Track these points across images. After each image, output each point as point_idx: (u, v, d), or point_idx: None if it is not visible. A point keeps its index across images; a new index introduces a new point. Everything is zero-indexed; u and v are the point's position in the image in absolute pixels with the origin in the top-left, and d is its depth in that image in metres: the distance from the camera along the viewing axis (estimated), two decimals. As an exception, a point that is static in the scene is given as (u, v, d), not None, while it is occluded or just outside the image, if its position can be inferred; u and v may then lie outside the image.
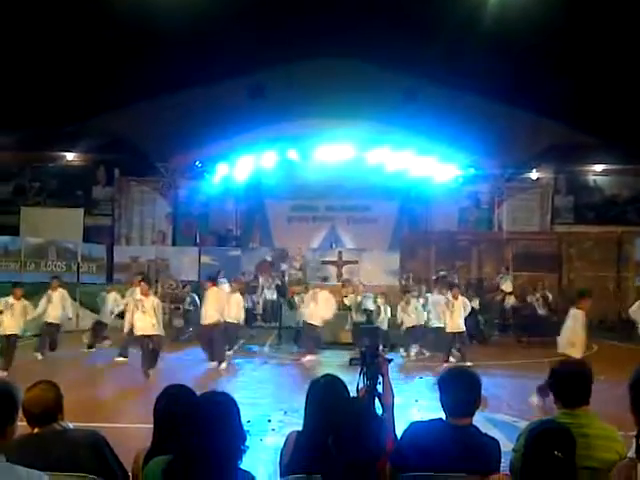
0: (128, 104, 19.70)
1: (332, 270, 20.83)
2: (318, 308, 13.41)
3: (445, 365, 11.74)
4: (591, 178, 22.68)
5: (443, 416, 3.09)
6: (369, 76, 19.58)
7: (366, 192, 21.40)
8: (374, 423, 2.66)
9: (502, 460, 2.95)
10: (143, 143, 20.96)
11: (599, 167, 22.44)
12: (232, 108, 19.17)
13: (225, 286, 15.56)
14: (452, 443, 2.92)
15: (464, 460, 2.85)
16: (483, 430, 3.06)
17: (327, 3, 15.50)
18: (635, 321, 12.09)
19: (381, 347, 12.74)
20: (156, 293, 11.44)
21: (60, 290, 12.81)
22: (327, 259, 21.13)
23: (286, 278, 19.16)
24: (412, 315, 14.06)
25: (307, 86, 19.38)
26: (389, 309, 14.89)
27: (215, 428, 2.49)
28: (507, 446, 3.16)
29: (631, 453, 2.50)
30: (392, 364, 3.82)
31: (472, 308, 14.59)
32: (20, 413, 2.53)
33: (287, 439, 3.24)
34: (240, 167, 20.79)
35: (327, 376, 3.39)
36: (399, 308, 14.42)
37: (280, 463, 3.20)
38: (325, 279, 18.28)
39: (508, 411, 8.06)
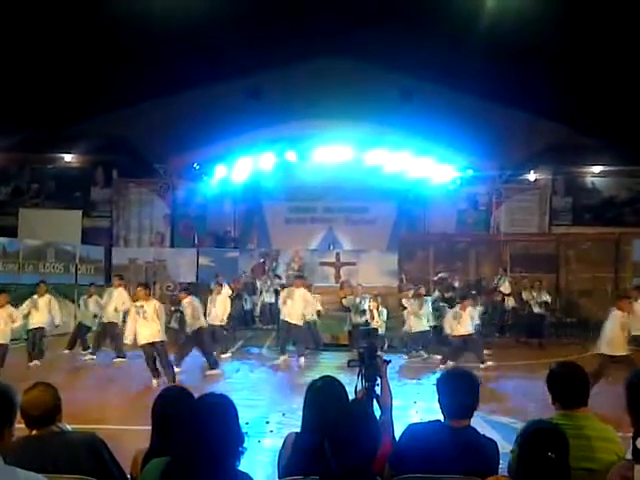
0: (126, 106, 19.72)
1: (330, 271, 20.87)
2: (295, 306, 13.17)
3: (442, 366, 11.77)
4: (589, 179, 22.70)
5: (441, 418, 3.09)
6: (367, 77, 19.64)
7: (364, 193, 21.39)
8: (372, 425, 2.65)
9: (500, 462, 2.96)
10: (141, 145, 20.97)
11: (597, 168, 22.46)
12: (230, 110, 19.20)
13: (224, 290, 15.63)
14: (450, 445, 2.92)
15: (462, 462, 2.85)
16: (481, 432, 3.06)
17: (324, 4, 15.51)
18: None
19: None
20: (153, 295, 11.14)
21: (47, 295, 12.32)
22: (325, 260, 21.15)
23: (283, 280, 19.11)
24: (424, 319, 14.05)
25: (305, 87, 19.42)
26: (385, 311, 14.88)
27: (213, 430, 2.49)
28: (505, 448, 3.16)
29: (629, 454, 2.50)
30: (390, 365, 3.83)
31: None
32: (18, 415, 2.52)
33: (285, 441, 3.24)
34: (238, 169, 20.78)
35: (325, 378, 3.39)
36: (407, 311, 14.41)
37: (278, 465, 3.20)
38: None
39: (506, 412, 8.06)
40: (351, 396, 3.39)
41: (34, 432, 3.07)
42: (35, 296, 12.12)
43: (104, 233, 22.22)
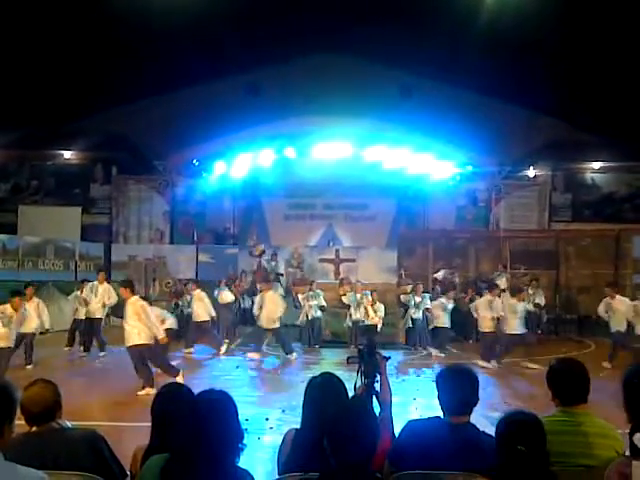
0: (125, 102, 19.70)
1: (330, 268, 20.87)
2: (266, 311, 13.20)
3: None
4: (589, 176, 22.69)
5: (441, 414, 3.09)
6: (366, 73, 19.62)
7: (363, 190, 21.37)
8: (372, 421, 2.65)
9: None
10: (140, 142, 20.94)
11: (597, 164, 22.45)
12: (229, 106, 19.17)
13: (224, 293, 15.76)
14: (450, 441, 2.92)
15: (462, 458, 2.85)
16: (481, 428, 3.07)
17: (323, 1, 15.49)
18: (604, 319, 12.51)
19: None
20: (146, 298, 10.78)
21: (35, 299, 11.71)
22: (325, 257, 21.15)
23: (283, 277, 19.02)
24: (441, 315, 14.11)
25: (304, 84, 19.40)
26: (382, 307, 14.89)
27: (213, 426, 2.49)
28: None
29: (628, 451, 2.51)
30: (390, 362, 3.83)
31: (469, 306, 14.66)
32: (18, 412, 2.53)
33: (285, 437, 3.25)
34: (237, 165, 20.75)
35: (325, 374, 3.39)
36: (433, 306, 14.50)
37: (278, 461, 3.20)
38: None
39: (506, 409, 8.05)
40: (350, 393, 3.39)
41: (34, 429, 3.08)
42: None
43: (103, 230, 22.21)
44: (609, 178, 22.59)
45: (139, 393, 8.88)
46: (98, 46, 15.64)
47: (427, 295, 15.40)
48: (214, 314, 14.08)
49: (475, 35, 14.28)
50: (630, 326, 11.94)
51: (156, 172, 21.95)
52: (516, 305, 12.24)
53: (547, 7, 14.02)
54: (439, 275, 17.86)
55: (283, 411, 7.71)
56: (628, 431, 2.49)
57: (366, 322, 14.63)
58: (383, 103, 19.21)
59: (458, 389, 3.04)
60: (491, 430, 2.81)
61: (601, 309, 12.66)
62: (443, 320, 14.20)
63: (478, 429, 3.04)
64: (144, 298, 10.37)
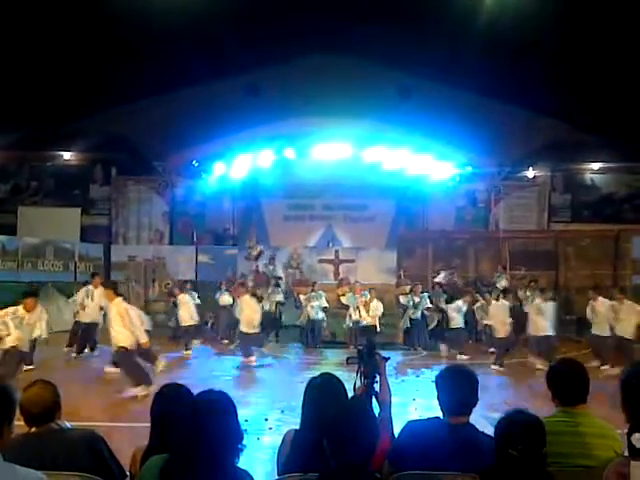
0: (125, 103, 19.69)
1: (329, 269, 20.87)
2: (244, 315, 13.15)
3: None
4: (588, 176, 22.70)
5: (440, 415, 3.09)
6: (365, 74, 19.61)
7: (363, 191, 21.37)
8: (371, 422, 2.66)
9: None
10: (140, 142, 20.94)
11: (596, 165, 22.46)
12: (228, 107, 19.17)
13: (223, 296, 15.81)
14: (450, 442, 2.92)
15: (461, 459, 2.85)
16: (480, 428, 3.07)
17: (323, 2, 15.50)
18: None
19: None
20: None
21: (39, 308, 10.38)
22: (324, 258, 21.15)
23: (283, 282, 18.80)
24: (456, 316, 14.05)
25: (303, 85, 19.40)
26: (380, 306, 14.89)
27: (212, 427, 2.49)
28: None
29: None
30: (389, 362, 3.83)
31: (468, 307, 14.61)
32: (17, 412, 2.53)
33: (284, 438, 3.25)
34: (237, 166, 20.76)
35: (324, 375, 3.39)
36: (477, 309, 14.48)
37: (277, 462, 3.20)
38: None
39: (506, 409, 8.05)
40: (350, 393, 3.40)
41: (33, 429, 3.08)
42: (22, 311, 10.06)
43: (103, 231, 22.22)
44: (608, 179, 22.60)
45: (138, 394, 8.75)
46: (98, 47, 15.65)
47: (426, 295, 15.40)
48: (197, 318, 14.26)
49: (474, 36, 14.30)
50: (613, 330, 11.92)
51: (155, 173, 21.96)
52: (544, 306, 12.13)
53: (546, 8, 14.04)
54: (441, 278, 17.79)
55: (282, 412, 7.71)
56: (626, 431, 2.49)
57: (361, 322, 14.63)
58: (382, 104, 19.21)
59: (457, 390, 3.04)
60: (490, 431, 2.81)
61: (588, 312, 12.72)
62: (458, 321, 14.08)
63: (477, 429, 3.04)
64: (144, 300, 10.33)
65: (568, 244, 19.59)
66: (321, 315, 15.13)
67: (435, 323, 15.39)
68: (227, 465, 2.51)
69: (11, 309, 9.51)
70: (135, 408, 7.83)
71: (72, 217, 21.90)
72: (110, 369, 10.33)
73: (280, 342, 15.81)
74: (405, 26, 16.16)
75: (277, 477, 3.07)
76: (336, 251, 21.21)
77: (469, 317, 14.84)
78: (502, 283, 16.80)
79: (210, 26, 14.90)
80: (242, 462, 2.59)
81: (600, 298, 12.40)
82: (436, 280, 17.54)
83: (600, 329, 12.11)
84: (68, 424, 3.21)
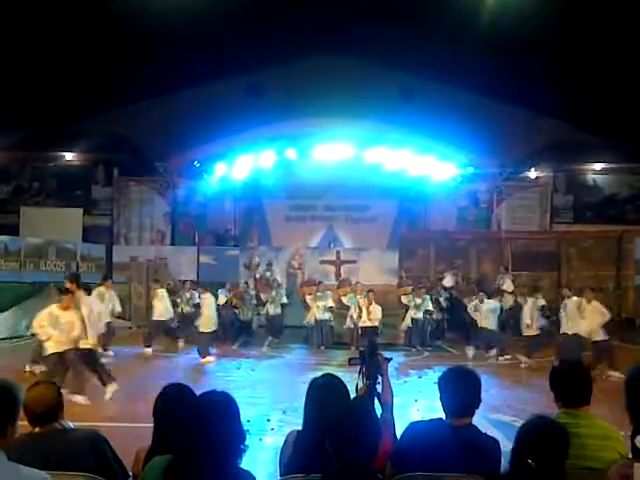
0: (127, 104, 19.73)
1: (331, 269, 20.86)
2: (203, 315, 13.22)
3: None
4: (590, 177, 22.68)
5: (443, 416, 3.09)
6: (367, 74, 19.63)
7: (364, 191, 21.38)
8: (373, 423, 2.66)
9: (502, 460, 2.96)
10: (142, 143, 20.99)
11: (598, 166, 22.44)
12: (230, 107, 19.20)
13: (220, 296, 15.83)
14: (452, 443, 2.92)
15: (464, 460, 2.85)
16: (483, 430, 3.06)
17: (325, 2, 15.51)
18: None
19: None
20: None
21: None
22: (326, 258, 21.15)
23: (284, 286, 18.57)
24: (487, 316, 13.75)
25: (305, 85, 19.42)
26: (379, 308, 14.80)
27: (215, 427, 2.49)
28: (507, 446, 3.16)
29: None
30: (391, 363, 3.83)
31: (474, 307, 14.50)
32: (21, 412, 2.53)
33: (287, 439, 3.25)
34: (238, 166, 20.78)
35: (326, 376, 3.39)
36: (471, 307, 14.31)
37: (280, 463, 3.20)
38: None
39: (508, 411, 8.05)
40: (352, 394, 3.39)
41: (37, 429, 3.08)
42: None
43: (105, 231, 22.25)
44: (611, 179, 22.58)
45: (107, 393, 8.62)
46: (99, 47, 15.67)
47: (428, 297, 15.40)
48: (172, 315, 14.46)
49: (476, 36, 14.29)
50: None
51: (157, 174, 21.99)
52: (600, 308, 11.74)
53: (548, 8, 14.03)
54: (447, 281, 17.71)
55: (284, 412, 7.70)
56: (630, 433, 2.49)
57: (359, 324, 14.55)
58: (384, 104, 19.22)
59: (460, 391, 3.04)
60: (493, 432, 2.81)
61: (561, 312, 12.55)
62: (491, 322, 13.68)
63: (480, 431, 3.04)
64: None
65: (570, 245, 19.57)
66: (327, 315, 15.13)
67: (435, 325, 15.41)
68: (230, 466, 2.51)
69: (46, 310, 8.90)
70: (138, 408, 7.81)
71: (74, 217, 21.92)
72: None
73: (283, 343, 15.78)
74: (406, 27, 16.17)
75: (279, 478, 3.07)
76: (337, 252, 21.22)
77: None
78: (507, 284, 16.78)
79: (211, 27, 14.91)
80: (244, 463, 2.59)
81: (575, 298, 12.12)
82: (444, 284, 17.46)
83: (568, 328, 11.85)
84: (71, 424, 3.21)
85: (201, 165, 21.35)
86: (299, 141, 20.62)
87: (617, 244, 18.99)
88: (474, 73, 17.24)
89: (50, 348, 8.52)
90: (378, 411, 3.37)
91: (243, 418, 2.64)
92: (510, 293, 17.17)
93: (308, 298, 15.80)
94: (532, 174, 22.53)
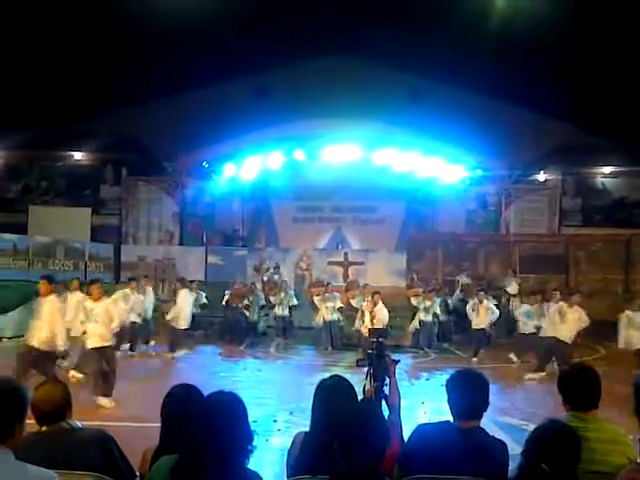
0: (135, 104, 19.77)
1: (338, 271, 20.84)
2: (177, 310, 13.34)
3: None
4: (599, 180, 22.57)
5: (450, 418, 3.08)
6: (376, 76, 19.61)
7: (372, 193, 21.36)
8: (381, 425, 2.65)
9: (510, 463, 2.94)
10: (150, 143, 21.05)
11: (607, 169, 22.33)
12: (238, 108, 19.24)
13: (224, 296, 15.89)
14: (459, 446, 2.91)
15: (471, 463, 2.84)
16: (491, 433, 3.05)
17: (333, 3, 15.51)
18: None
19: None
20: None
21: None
22: (333, 260, 21.13)
23: (292, 286, 18.51)
24: (483, 316, 13.65)
25: (313, 86, 19.41)
26: (385, 311, 14.60)
27: (222, 428, 2.49)
28: (515, 449, 3.15)
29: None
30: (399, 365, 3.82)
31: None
32: (28, 411, 2.54)
33: (294, 440, 3.24)
34: (247, 167, 20.82)
35: (334, 377, 3.39)
36: (469, 308, 14.15)
37: (287, 464, 3.20)
38: None
39: (516, 414, 8.03)
40: (360, 396, 3.39)
41: (44, 428, 3.09)
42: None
43: (113, 231, 22.30)
44: (620, 183, 22.46)
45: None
46: (108, 48, 15.73)
47: (438, 300, 15.37)
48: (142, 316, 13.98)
49: (485, 38, 14.26)
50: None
51: (166, 174, 22.04)
52: (581, 314, 11.57)
53: (557, 11, 13.98)
54: (464, 279, 17.73)
55: (291, 413, 7.70)
56: (639, 437, 2.47)
57: (362, 329, 14.15)
58: (392, 106, 19.19)
59: (468, 393, 3.03)
60: (500, 435, 2.79)
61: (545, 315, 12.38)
62: (529, 327, 13.19)
63: (488, 434, 3.03)
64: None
65: (579, 248, 19.50)
66: (336, 316, 15.11)
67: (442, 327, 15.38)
68: (237, 466, 2.51)
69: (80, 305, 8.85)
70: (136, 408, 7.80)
71: (83, 217, 22.00)
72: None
73: (291, 344, 15.79)
74: (415, 28, 16.13)
75: (286, 479, 3.07)
76: (345, 253, 21.19)
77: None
78: (512, 287, 16.72)
79: (219, 28, 14.93)
80: (251, 463, 2.59)
81: (561, 303, 11.92)
82: (461, 281, 17.51)
83: (551, 331, 11.57)
84: (79, 423, 3.22)
85: (210, 165, 21.40)
86: (307, 142, 20.64)
87: (626, 247, 18.90)
88: (483, 75, 17.19)
89: (92, 343, 8.43)
90: (385, 413, 3.36)
91: (250, 419, 2.64)
92: (514, 296, 17.12)
93: (316, 299, 15.79)
94: (541, 177, 22.44)
